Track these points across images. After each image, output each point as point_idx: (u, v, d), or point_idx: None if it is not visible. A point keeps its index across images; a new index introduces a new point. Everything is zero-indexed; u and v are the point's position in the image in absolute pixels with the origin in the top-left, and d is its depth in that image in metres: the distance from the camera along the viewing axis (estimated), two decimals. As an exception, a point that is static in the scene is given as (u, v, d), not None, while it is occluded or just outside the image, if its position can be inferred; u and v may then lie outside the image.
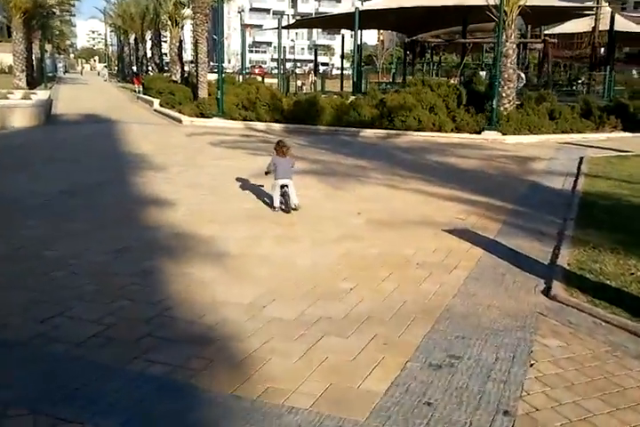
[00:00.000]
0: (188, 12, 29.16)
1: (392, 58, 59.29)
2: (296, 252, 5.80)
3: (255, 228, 6.66)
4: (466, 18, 27.28)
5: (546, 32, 30.71)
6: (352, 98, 20.66)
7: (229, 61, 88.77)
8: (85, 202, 7.84)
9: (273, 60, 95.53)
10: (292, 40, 65.54)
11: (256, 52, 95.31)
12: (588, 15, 31.10)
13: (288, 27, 32.61)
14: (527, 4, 16.89)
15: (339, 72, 56.17)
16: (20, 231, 6.35)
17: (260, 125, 17.98)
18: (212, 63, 36.26)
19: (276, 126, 17.95)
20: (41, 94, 25.25)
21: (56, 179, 9.41)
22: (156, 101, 24.38)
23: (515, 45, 16.96)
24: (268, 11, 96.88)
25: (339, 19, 28.95)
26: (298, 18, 68.97)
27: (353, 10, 25.68)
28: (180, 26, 27.19)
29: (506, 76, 16.71)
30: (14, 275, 5.01)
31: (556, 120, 16.69)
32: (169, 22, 27.02)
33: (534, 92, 19.86)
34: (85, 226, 6.60)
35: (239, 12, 67.30)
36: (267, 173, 7.65)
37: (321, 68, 64.26)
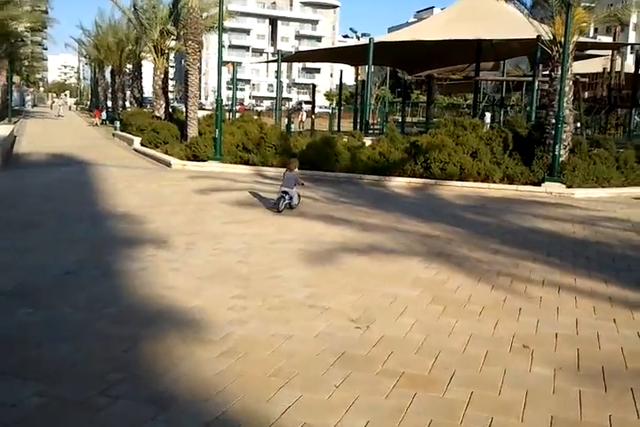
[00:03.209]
0: (173, 43, 26.43)
1: (378, 97, 57.36)
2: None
3: (367, 396, 3.49)
4: (479, 54, 25.08)
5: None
6: (367, 139, 17.87)
7: (206, 98, 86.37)
8: (43, 317, 4.57)
9: (251, 97, 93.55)
10: (276, 77, 63.40)
11: (232, 89, 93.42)
12: (601, 56, 29.40)
13: (288, 60, 30.09)
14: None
15: (321, 110, 53.96)
16: None
17: (268, 171, 14.92)
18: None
19: (287, 173, 14.91)
20: (1, 129, 21.91)
21: None
22: (137, 140, 21.23)
23: (571, 82, 14.42)
24: (247, 48, 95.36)
25: (341, 52, 26.53)
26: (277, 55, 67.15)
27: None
28: (166, 56, 24.31)
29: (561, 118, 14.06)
30: None
31: (621, 170, 14.04)
32: (152, 52, 24.14)
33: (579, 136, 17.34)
34: (44, 394, 3.33)
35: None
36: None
37: (304, 107, 62.00)
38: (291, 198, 9.42)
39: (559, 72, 13.80)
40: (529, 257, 7.06)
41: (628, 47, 44.81)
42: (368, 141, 17.09)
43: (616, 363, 4.05)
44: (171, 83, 73.54)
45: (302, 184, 9.74)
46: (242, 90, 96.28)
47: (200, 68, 20.74)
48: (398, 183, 13.82)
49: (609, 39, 39.73)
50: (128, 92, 36.27)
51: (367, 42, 21.38)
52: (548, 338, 4.48)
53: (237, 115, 25.91)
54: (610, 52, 27.16)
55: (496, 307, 5.20)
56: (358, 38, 40.49)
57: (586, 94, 28.69)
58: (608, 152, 14.89)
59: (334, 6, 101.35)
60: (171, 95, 57.37)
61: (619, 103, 27.04)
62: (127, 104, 35.94)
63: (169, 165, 15.87)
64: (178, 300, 5.09)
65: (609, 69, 26.28)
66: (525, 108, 28.39)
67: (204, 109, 33.73)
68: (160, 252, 6.73)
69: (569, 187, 13.18)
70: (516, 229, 8.90)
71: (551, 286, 5.87)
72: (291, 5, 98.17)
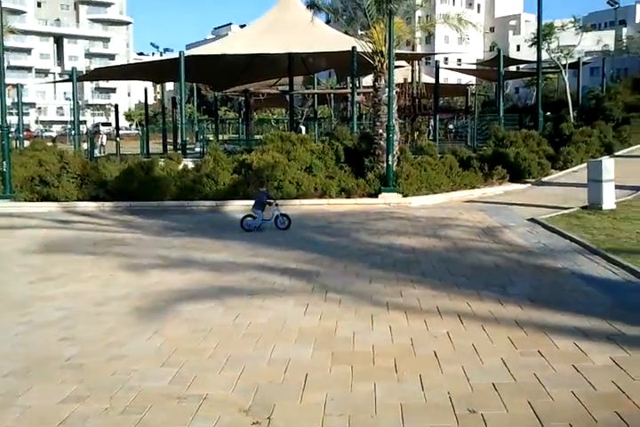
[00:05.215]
0: None
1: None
2: None
3: None
4: (291, 68, 24.83)
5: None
6: (187, 161, 16.39)
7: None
8: None
9: (38, 122, 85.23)
10: (68, 99, 58.27)
11: (16, 114, 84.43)
12: (401, 67, 30.95)
13: (84, 78, 27.13)
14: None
15: (122, 131, 50.29)
16: None
17: (76, 206, 12.81)
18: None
19: (99, 206, 12.94)
20: None
21: None
22: None
23: (394, 93, 14.46)
24: (29, 69, 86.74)
25: (145, 68, 24.44)
26: (66, 76, 61.85)
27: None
28: None
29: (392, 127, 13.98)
30: None
31: (448, 175, 14.35)
32: None
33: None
34: None
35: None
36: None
37: (103, 129, 57.63)
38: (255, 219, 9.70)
39: (382, 82, 13.74)
40: (407, 281, 6.35)
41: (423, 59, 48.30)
42: (189, 163, 15.65)
43: (582, 416, 3.33)
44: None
45: (276, 204, 9.93)
46: (26, 114, 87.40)
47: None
48: (235, 207, 12.59)
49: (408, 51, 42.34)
50: None
51: (171, 57, 19.74)
52: (488, 393, 3.65)
53: (26, 143, 22.65)
54: (407, 63, 28.62)
55: (408, 356, 4.28)
56: (161, 54, 38.45)
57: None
58: (432, 158, 15.20)
59: (127, 23, 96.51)
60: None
61: (422, 111, 28.60)
62: None
63: (-57, 208, 12.90)
64: (-24, 422, 3.40)
65: (410, 80, 27.62)
66: (337, 120, 28.85)
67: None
68: (-59, 340, 4.80)
69: (405, 196, 13.08)
70: (375, 248, 8.22)
71: (449, 315, 5.14)
72: (77, 22, 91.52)
